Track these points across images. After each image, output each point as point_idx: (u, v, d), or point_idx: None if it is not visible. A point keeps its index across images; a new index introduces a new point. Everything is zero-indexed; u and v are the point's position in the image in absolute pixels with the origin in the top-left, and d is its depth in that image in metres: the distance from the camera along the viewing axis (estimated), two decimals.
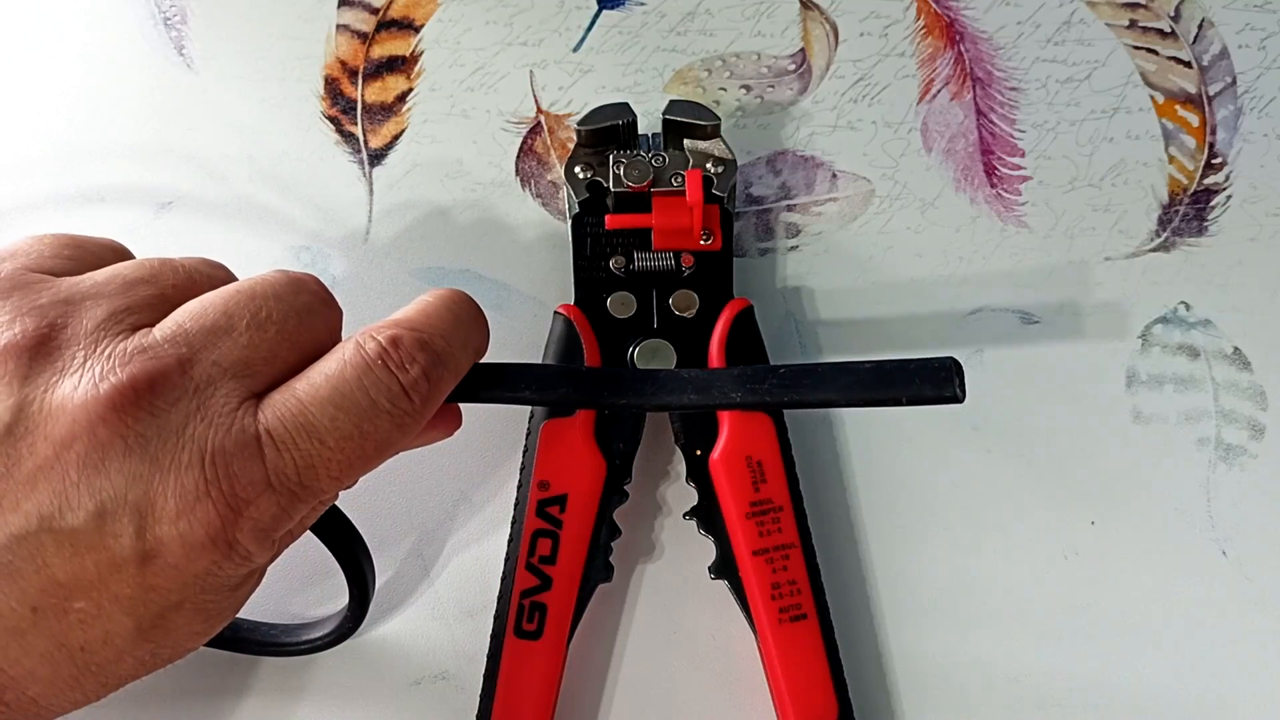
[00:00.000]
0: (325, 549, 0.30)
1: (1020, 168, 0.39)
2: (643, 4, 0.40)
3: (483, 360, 0.29)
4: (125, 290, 0.26)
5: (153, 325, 0.26)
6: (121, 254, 0.29)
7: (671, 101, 0.36)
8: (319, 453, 0.25)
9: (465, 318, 0.29)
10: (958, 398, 0.27)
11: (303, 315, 0.27)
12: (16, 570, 0.23)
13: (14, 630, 0.24)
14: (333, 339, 0.28)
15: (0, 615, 0.23)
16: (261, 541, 0.25)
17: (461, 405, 0.30)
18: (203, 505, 0.24)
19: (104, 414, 0.24)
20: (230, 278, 0.29)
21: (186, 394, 0.24)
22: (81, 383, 0.24)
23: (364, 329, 0.27)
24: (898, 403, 0.28)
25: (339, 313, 0.28)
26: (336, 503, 0.29)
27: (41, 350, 0.24)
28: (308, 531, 0.28)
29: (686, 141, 0.35)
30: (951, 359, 0.28)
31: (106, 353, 0.25)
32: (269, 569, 0.27)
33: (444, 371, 0.27)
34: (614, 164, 0.35)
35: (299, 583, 0.34)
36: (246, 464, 0.24)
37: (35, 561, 0.23)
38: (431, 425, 0.29)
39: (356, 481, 0.27)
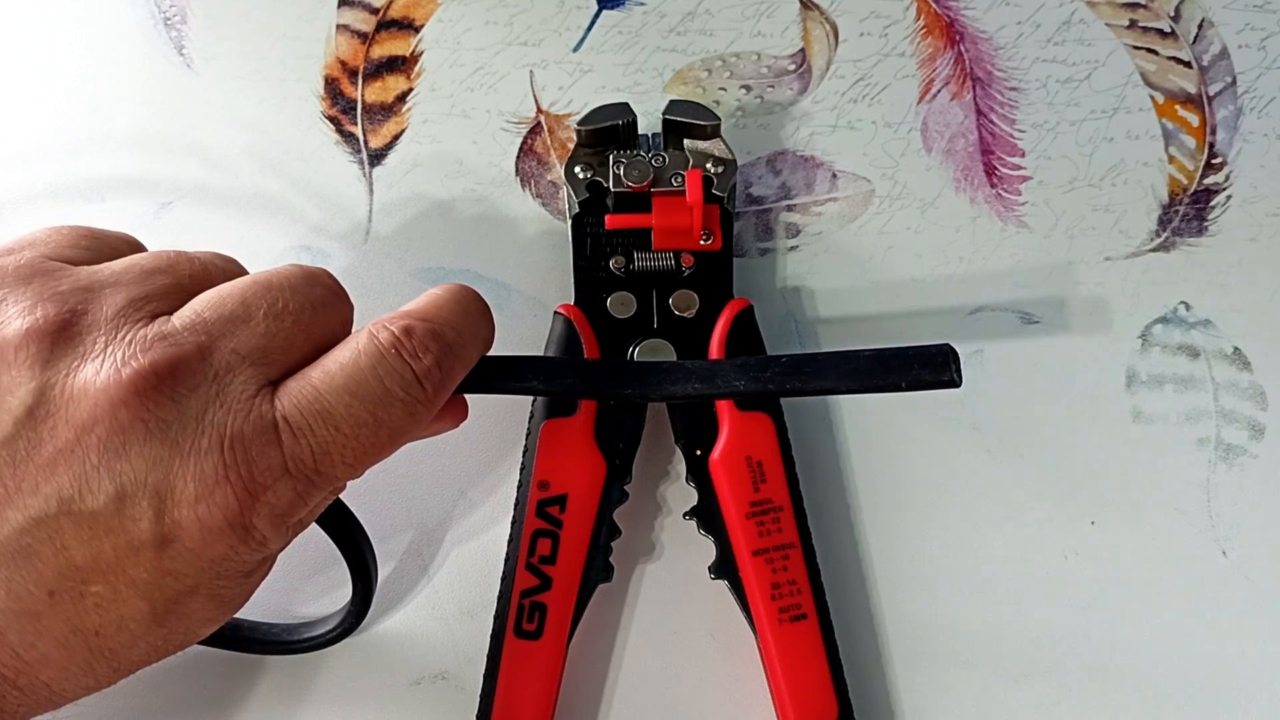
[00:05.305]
0: (320, 547, 0.30)
1: (1020, 168, 0.39)
2: (643, 4, 0.40)
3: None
4: (143, 279, 0.27)
5: (170, 314, 0.26)
6: (136, 246, 0.30)
7: (671, 101, 0.36)
8: (335, 439, 0.26)
9: (474, 310, 0.29)
10: (955, 382, 0.28)
11: (317, 307, 0.27)
12: (35, 553, 0.23)
13: (30, 614, 0.24)
14: (345, 331, 0.28)
15: (17, 598, 0.24)
16: (277, 527, 0.26)
17: (467, 397, 0.30)
18: (221, 490, 0.24)
19: (126, 398, 0.24)
20: (242, 271, 0.29)
21: (206, 380, 0.25)
22: (103, 368, 0.24)
23: (376, 320, 0.27)
24: (897, 388, 0.29)
25: (351, 306, 0.29)
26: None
27: (63, 335, 0.25)
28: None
29: (686, 141, 0.35)
30: (948, 345, 0.29)
31: (127, 339, 0.25)
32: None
33: (455, 361, 0.28)
34: (614, 164, 0.35)
35: (297, 578, 0.34)
36: (264, 449, 0.25)
37: (54, 544, 0.24)
38: (440, 416, 0.29)
39: (365, 471, 0.27)
